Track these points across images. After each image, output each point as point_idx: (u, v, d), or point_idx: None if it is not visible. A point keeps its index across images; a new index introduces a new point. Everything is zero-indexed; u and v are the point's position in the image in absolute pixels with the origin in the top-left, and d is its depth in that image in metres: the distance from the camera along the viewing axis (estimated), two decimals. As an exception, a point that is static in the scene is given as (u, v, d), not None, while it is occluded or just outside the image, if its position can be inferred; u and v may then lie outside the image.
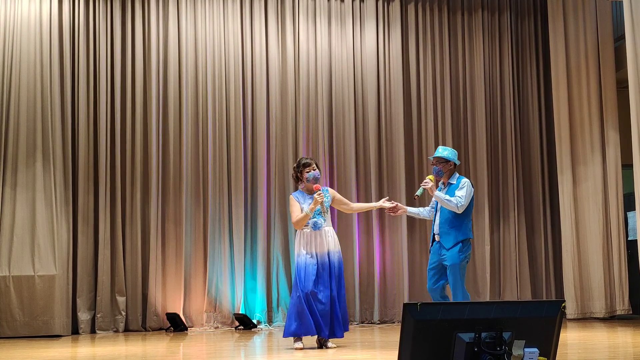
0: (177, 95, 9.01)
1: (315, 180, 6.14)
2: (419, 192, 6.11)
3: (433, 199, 6.26)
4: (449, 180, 6.14)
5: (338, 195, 6.44)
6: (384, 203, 6.38)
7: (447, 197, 6.02)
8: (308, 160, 6.26)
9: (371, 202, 9.18)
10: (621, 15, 9.08)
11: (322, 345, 6.09)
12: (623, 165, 9.13)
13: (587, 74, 9.30)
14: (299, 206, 6.15)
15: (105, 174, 8.69)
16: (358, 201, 9.22)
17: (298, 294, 6.01)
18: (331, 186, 9.21)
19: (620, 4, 8.95)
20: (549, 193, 9.74)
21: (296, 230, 6.25)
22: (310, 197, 6.14)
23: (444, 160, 6.14)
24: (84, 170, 8.65)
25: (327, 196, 6.22)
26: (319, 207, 6.09)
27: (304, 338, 6.13)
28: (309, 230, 6.11)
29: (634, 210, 8.39)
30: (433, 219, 6.23)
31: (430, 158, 6.35)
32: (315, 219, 6.10)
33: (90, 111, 8.77)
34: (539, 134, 9.80)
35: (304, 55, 9.34)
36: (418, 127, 9.57)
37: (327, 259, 6.07)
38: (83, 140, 8.68)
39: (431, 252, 6.17)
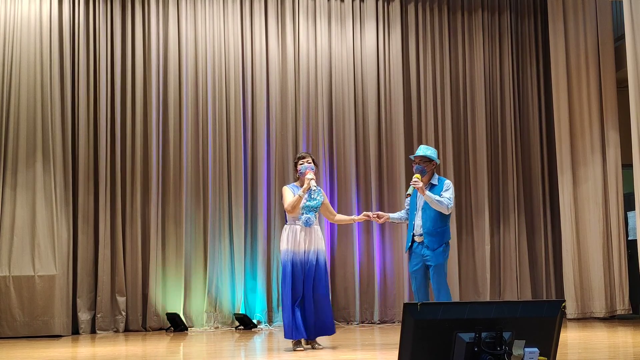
0: (177, 95, 9.01)
1: (309, 171, 6.17)
2: (410, 191, 6.08)
3: (406, 201, 6.25)
4: (430, 181, 6.15)
5: (327, 201, 6.44)
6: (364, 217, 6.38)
7: (438, 197, 6.00)
8: (303, 154, 6.37)
9: (371, 202, 9.22)
10: (621, 15, 9.09)
11: (312, 346, 6.09)
12: (623, 165, 9.14)
13: (587, 74, 9.30)
14: (291, 193, 6.19)
15: (105, 174, 8.69)
16: (358, 202, 9.25)
17: (289, 296, 6.02)
18: (331, 186, 9.21)
19: (620, 4, 8.95)
20: (549, 193, 9.74)
21: (284, 225, 6.26)
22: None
23: (428, 160, 6.14)
24: (84, 170, 8.65)
25: (320, 196, 6.24)
26: (313, 203, 6.11)
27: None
28: (299, 227, 6.13)
29: (634, 210, 8.38)
30: (411, 220, 6.20)
31: (412, 157, 6.33)
32: (308, 215, 6.11)
33: (90, 111, 8.77)
34: (539, 134, 9.80)
35: (304, 55, 9.34)
36: (418, 127, 9.56)
37: (314, 258, 6.07)
38: (83, 140, 8.68)
39: (412, 254, 6.13)
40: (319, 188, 6.28)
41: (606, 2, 9.28)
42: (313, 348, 6.07)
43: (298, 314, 5.98)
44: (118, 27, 8.96)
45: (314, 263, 6.07)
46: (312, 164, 6.26)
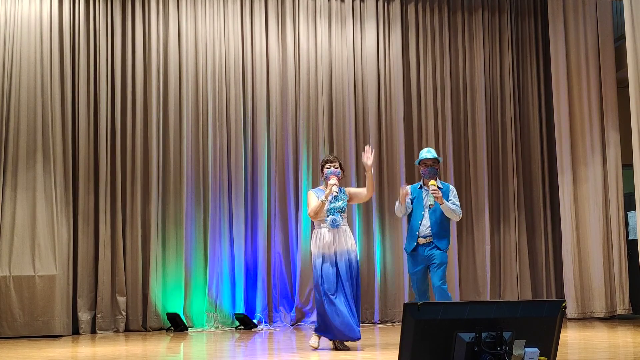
0: (177, 95, 9.01)
1: (333, 176, 6.14)
2: (432, 201, 6.09)
3: (407, 200, 6.22)
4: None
5: (353, 190, 6.35)
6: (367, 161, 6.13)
7: (454, 207, 6.11)
8: (330, 157, 6.31)
9: (371, 202, 9.22)
10: (621, 15, 9.09)
11: (337, 347, 6.07)
12: (623, 165, 9.14)
13: (587, 74, 9.30)
14: (316, 198, 6.16)
15: (105, 174, 8.69)
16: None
17: (322, 297, 5.96)
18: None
19: (620, 3, 8.96)
20: (549, 193, 9.73)
21: (312, 229, 6.24)
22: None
23: (437, 161, 6.25)
24: (84, 170, 8.65)
25: (345, 196, 6.21)
26: (338, 204, 6.07)
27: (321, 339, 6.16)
28: (326, 229, 6.08)
29: (634, 210, 8.38)
30: (416, 220, 6.20)
31: (417, 163, 6.34)
32: (333, 217, 6.06)
33: (90, 111, 8.77)
34: (539, 134, 9.79)
35: (304, 55, 9.34)
36: (418, 127, 9.56)
37: (346, 258, 6.02)
38: (83, 141, 8.68)
39: (416, 255, 6.13)
40: (342, 188, 6.25)
41: (606, 2, 9.28)
42: (337, 349, 6.05)
43: (330, 311, 5.93)
44: (118, 27, 8.96)
45: (348, 264, 6.01)
46: (339, 168, 6.23)
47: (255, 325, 8.64)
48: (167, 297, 8.75)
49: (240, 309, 8.83)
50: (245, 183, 9.05)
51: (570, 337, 6.83)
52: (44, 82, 8.49)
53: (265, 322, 8.81)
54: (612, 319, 8.99)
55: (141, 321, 8.65)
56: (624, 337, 7.01)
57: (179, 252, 8.81)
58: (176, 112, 9.00)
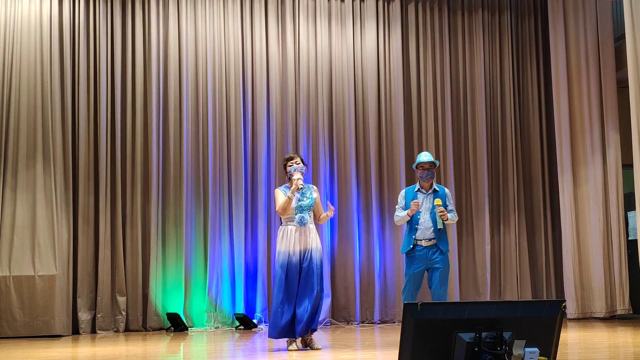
0: (177, 95, 9.02)
1: (297, 172, 6.19)
2: (440, 224, 6.15)
3: (400, 203, 6.46)
4: (433, 186, 6.24)
5: (319, 200, 6.39)
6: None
7: (453, 216, 6.25)
8: (291, 154, 6.38)
9: (371, 202, 9.23)
10: (621, 15, 9.09)
11: (307, 344, 6.12)
12: (623, 165, 9.14)
13: (587, 74, 9.30)
14: (283, 195, 6.21)
15: (105, 174, 8.69)
16: (358, 202, 9.28)
17: (279, 297, 6.03)
18: (331, 186, 9.21)
19: (620, 3, 8.96)
20: (549, 193, 9.73)
21: (279, 226, 6.28)
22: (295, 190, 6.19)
23: (435, 165, 6.32)
24: (84, 170, 8.66)
25: (312, 193, 6.24)
26: (306, 202, 6.11)
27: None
28: (293, 226, 6.12)
29: (634, 210, 8.38)
30: (415, 224, 6.23)
31: (414, 166, 6.37)
32: (302, 215, 6.12)
33: (90, 111, 8.77)
34: (539, 134, 9.79)
35: (304, 55, 9.34)
36: (418, 126, 9.56)
37: (310, 256, 6.07)
38: (83, 141, 8.68)
39: (417, 257, 6.16)
40: (311, 186, 6.30)
41: (606, 2, 9.28)
42: (310, 347, 6.07)
43: (288, 314, 5.99)
44: (118, 27, 8.96)
45: (309, 262, 6.06)
46: (301, 164, 6.27)
47: (255, 325, 8.64)
48: (167, 297, 8.75)
49: (240, 309, 8.83)
50: (245, 183, 9.05)
51: (570, 337, 6.83)
52: (44, 82, 8.49)
53: (265, 322, 8.81)
54: (612, 319, 8.99)
55: (141, 321, 8.65)
56: (624, 337, 7.01)
57: (179, 252, 8.82)
58: (176, 112, 9.00)
